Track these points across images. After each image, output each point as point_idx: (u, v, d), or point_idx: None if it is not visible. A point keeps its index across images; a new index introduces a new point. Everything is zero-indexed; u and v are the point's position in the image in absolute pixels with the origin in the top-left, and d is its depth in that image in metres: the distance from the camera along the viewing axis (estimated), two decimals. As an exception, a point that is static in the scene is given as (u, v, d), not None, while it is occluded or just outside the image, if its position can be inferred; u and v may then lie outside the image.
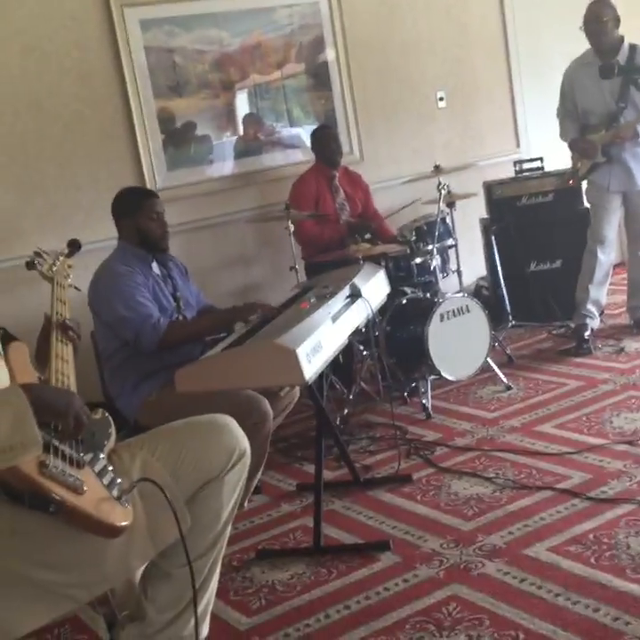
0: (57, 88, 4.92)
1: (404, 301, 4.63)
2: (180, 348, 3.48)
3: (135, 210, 3.62)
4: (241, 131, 5.57)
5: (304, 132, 5.71)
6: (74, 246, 2.72)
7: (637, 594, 2.63)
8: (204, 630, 2.33)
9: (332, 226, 5.14)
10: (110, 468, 2.05)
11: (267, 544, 3.36)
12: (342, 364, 4.71)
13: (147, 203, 3.64)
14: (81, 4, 4.96)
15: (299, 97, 5.74)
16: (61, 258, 2.60)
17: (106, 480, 1.99)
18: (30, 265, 2.51)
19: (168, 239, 3.68)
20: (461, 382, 4.67)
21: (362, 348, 4.64)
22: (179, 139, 5.35)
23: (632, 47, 4.77)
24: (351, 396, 4.58)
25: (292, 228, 4.60)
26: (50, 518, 1.86)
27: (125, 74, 5.10)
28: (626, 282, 5.44)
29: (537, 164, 5.88)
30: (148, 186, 5.12)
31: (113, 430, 2.20)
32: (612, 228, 5.11)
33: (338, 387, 4.74)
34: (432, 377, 4.56)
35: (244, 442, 2.32)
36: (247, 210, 5.47)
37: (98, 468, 2.01)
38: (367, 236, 4.96)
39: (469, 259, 5.60)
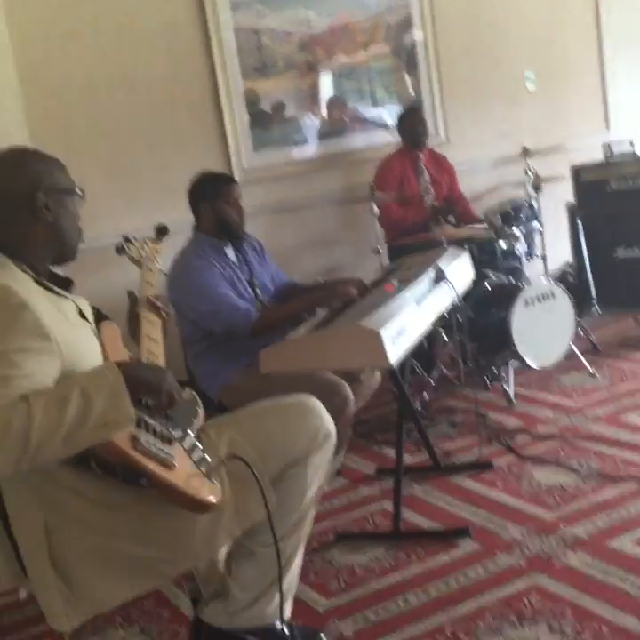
0: (148, 67, 4.97)
1: (488, 286, 4.58)
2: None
3: (214, 195, 3.58)
4: (325, 112, 5.55)
5: (387, 113, 5.67)
6: (162, 231, 2.74)
7: None
8: (287, 610, 2.35)
9: (416, 208, 5.10)
10: (199, 445, 2.07)
11: (346, 527, 3.37)
12: (422, 349, 4.68)
13: (226, 188, 3.61)
14: (173, -17, 5.00)
15: (383, 78, 5.69)
16: (149, 243, 2.62)
17: (195, 457, 2.02)
18: (120, 250, 2.54)
19: (244, 225, 3.66)
20: (544, 369, 4.60)
21: (443, 332, 4.61)
22: (265, 119, 5.37)
23: None
24: (432, 381, 4.55)
25: (376, 210, 4.57)
26: (142, 494, 1.90)
27: (214, 54, 5.13)
28: None
29: (626, 146, 5.74)
30: (234, 166, 5.17)
31: (201, 408, 2.23)
32: None
33: (418, 371, 4.72)
34: (514, 363, 4.50)
35: (330, 424, 2.32)
36: (331, 191, 5.46)
37: (187, 444, 2.04)
38: (451, 219, 4.90)
39: (554, 244, 5.49)
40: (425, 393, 4.48)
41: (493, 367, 4.59)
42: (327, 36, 5.47)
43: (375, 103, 5.71)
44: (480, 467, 3.69)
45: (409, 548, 3.12)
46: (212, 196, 3.59)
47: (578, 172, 5.63)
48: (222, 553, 2.35)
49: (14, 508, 1.97)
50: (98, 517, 1.96)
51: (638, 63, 6.32)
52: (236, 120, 5.24)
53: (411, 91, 5.73)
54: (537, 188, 4.81)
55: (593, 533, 3.01)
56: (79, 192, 2.14)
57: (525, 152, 4.70)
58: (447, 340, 4.65)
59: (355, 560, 3.11)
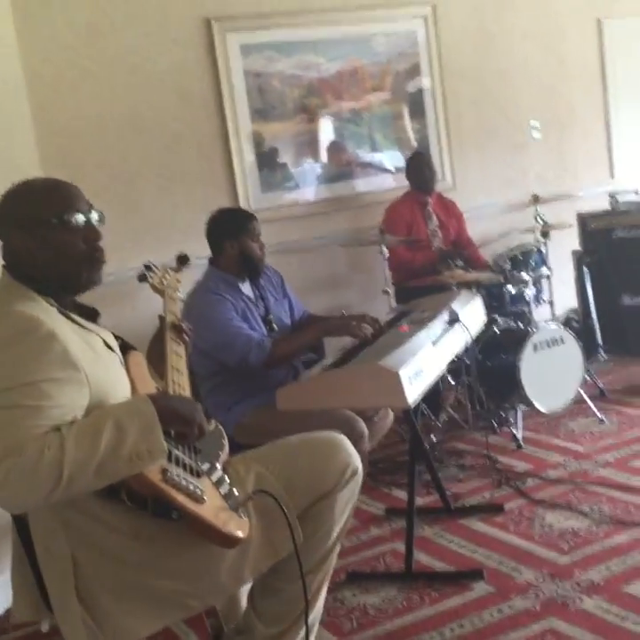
0: (158, 108, 5.02)
1: (497, 330, 4.59)
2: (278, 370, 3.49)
3: (238, 232, 3.60)
4: (328, 156, 5.60)
5: (387, 159, 5.72)
6: (182, 260, 2.75)
7: None
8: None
9: (425, 252, 5.13)
10: (227, 478, 2.06)
11: (356, 567, 3.34)
12: (430, 391, 4.66)
13: (250, 224, 3.63)
14: (185, 27, 5.06)
15: (384, 124, 5.74)
16: (171, 271, 2.64)
17: (223, 490, 2.01)
18: (142, 277, 2.54)
19: (264, 261, 3.69)
20: (552, 414, 4.59)
21: (449, 375, 4.61)
22: (273, 162, 5.41)
23: None
24: (439, 423, 4.55)
25: (386, 252, 4.60)
26: (171, 527, 1.89)
27: (224, 96, 5.18)
28: None
29: (631, 196, 5.80)
30: (243, 207, 5.19)
31: (226, 441, 2.22)
32: None
33: (426, 413, 4.71)
34: (523, 407, 4.50)
35: (356, 460, 2.32)
36: (337, 234, 5.49)
37: (215, 477, 2.03)
38: (459, 263, 4.93)
39: (559, 290, 5.53)
40: (432, 435, 4.47)
41: (501, 411, 4.59)
42: (336, 81, 5.53)
43: (375, 149, 5.75)
44: (491, 510, 3.67)
45: (421, 590, 3.10)
46: (236, 232, 3.60)
47: (584, 220, 5.69)
48: (246, 588, 2.32)
49: (41, 539, 1.96)
50: (126, 550, 1.94)
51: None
52: (245, 162, 5.28)
53: (411, 137, 5.78)
54: (545, 234, 4.85)
55: (608, 578, 2.99)
56: (73, 219, 2.01)
57: (535, 199, 4.75)
58: (453, 382, 4.65)
59: (367, 600, 3.08)
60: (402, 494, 3.94)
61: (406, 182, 5.40)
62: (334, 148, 5.61)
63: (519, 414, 4.48)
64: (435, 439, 4.46)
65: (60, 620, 1.98)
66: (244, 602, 2.37)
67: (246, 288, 3.68)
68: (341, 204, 5.60)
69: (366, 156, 5.74)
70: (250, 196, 5.28)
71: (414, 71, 5.77)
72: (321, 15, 5.39)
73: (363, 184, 5.70)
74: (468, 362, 4.50)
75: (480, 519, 3.61)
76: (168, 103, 5.05)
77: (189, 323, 3.43)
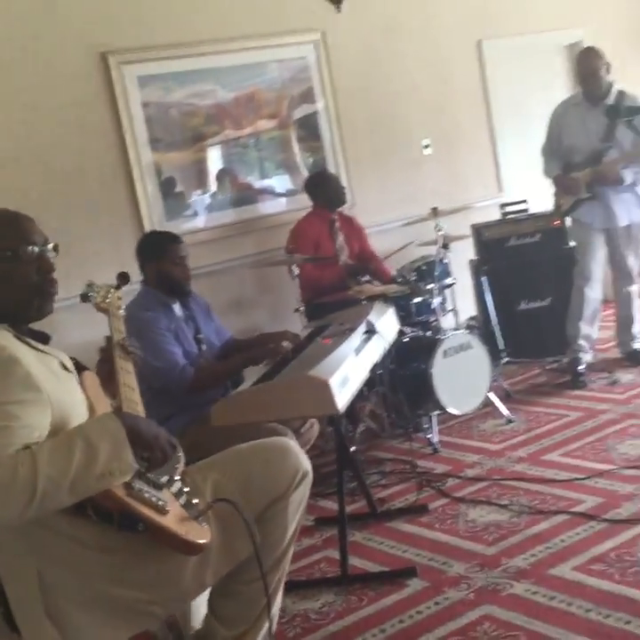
0: (58, 142, 5.05)
1: (407, 339, 4.76)
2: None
3: (160, 254, 3.72)
4: (227, 182, 5.71)
5: (277, 183, 5.89)
6: (123, 278, 2.81)
7: (665, 605, 2.74)
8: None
9: (332, 269, 5.27)
10: (186, 489, 2.14)
11: (293, 576, 3.40)
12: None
13: (171, 247, 3.75)
14: (81, 61, 5.11)
15: (282, 148, 5.89)
16: (112, 290, 2.69)
17: (182, 501, 2.09)
18: (85, 297, 2.59)
19: (190, 283, 3.78)
20: (464, 417, 4.79)
21: (364, 387, 4.74)
22: (175, 190, 5.49)
23: (620, 92, 4.98)
24: (357, 434, 4.68)
25: (296, 271, 4.72)
26: (134, 538, 1.95)
27: (123, 127, 5.24)
28: (612, 318, 5.65)
29: (521, 206, 6.09)
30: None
31: (182, 454, 2.29)
32: (598, 264, 5.29)
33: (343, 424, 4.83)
34: (436, 412, 4.68)
35: (306, 463, 2.42)
36: (243, 257, 5.60)
37: (174, 489, 2.10)
38: (365, 277, 5.09)
39: (459, 298, 5.75)
40: (351, 445, 4.59)
41: (416, 417, 4.75)
42: (233, 108, 5.65)
43: (271, 173, 5.89)
44: (416, 511, 3.81)
45: (359, 591, 3.20)
46: (156, 255, 3.72)
47: (479, 231, 5.94)
48: (205, 594, 2.39)
49: (4, 558, 1.99)
50: (93, 563, 1.99)
51: (524, 132, 6.72)
52: (148, 191, 5.35)
53: (298, 161, 5.94)
54: (445, 245, 5.05)
55: (533, 563, 3.16)
56: (28, 251, 2.07)
57: (435, 212, 4.95)
58: (367, 393, 4.79)
59: (307, 606, 3.17)
60: (328, 504, 4.05)
61: (299, 204, 5.57)
62: (233, 173, 5.72)
63: (434, 419, 4.65)
64: (354, 449, 4.57)
65: (28, 639, 2.01)
66: (202, 608, 2.44)
67: (177, 308, 3.78)
68: (245, 228, 5.72)
69: (264, 180, 5.87)
70: (155, 224, 5.34)
71: (308, 95, 5.94)
72: (215, 45, 5.52)
73: (263, 208, 5.84)
74: (380, 372, 4.64)
75: (406, 520, 3.75)
76: (68, 137, 5.09)
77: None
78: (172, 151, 5.49)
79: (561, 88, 6.85)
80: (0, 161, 4.87)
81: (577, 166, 5.15)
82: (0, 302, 2.05)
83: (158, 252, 3.73)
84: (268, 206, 5.86)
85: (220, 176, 5.71)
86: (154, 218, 5.36)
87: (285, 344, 3.56)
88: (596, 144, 5.05)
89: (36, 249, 2.09)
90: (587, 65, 5.05)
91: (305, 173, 5.89)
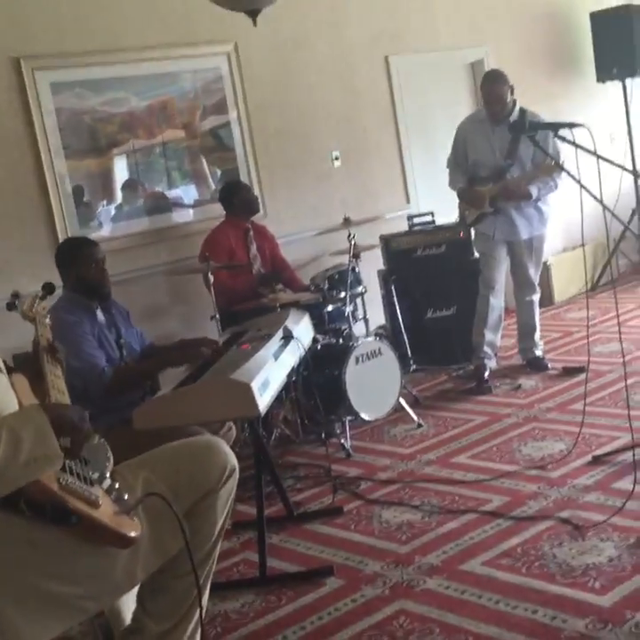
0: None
1: (319, 346, 4.87)
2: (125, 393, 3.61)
3: (74, 259, 3.78)
4: (136, 191, 5.74)
5: (183, 193, 5.94)
6: (49, 288, 2.84)
7: (569, 595, 2.91)
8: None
9: (245, 277, 5.35)
10: (116, 485, 2.19)
11: (212, 578, 3.45)
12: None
13: (84, 252, 3.80)
14: (-7, 66, 5.07)
15: (193, 158, 5.94)
16: (37, 300, 2.72)
17: (113, 497, 2.14)
18: (11, 306, 2.62)
19: (109, 286, 3.82)
20: (375, 422, 4.92)
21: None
22: (86, 198, 5.48)
23: (522, 110, 5.20)
24: (272, 439, 4.76)
25: (211, 279, 4.78)
26: (65, 532, 1.99)
27: (37, 134, 5.21)
28: (513, 326, 5.88)
29: (428, 218, 6.28)
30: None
31: (110, 453, 2.34)
32: (501, 274, 5.52)
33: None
34: (349, 417, 4.79)
35: (233, 459, 2.50)
36: (156, 265, 5.62)
37: (105, 485, 2.16)
38: (279, 286, 5.19)
39: (368, 308, 5.88)
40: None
41: (329, 423, 4.86)
42: (146, 116, 5.67)
43: (182, 182, 5.93)
44: (331, 513, 3.92)
45: (278, 591, 3.29)
46: (72, 260, 3.78)
47: (387, 241, 6.09)
48: (134, 590, 2.44)
49: None
50: (23, 558, 2.03)
51: (430, 146, 6.94)
52: (62, 199, 5.32)
53: (206, 172, 6.01)
54: (356, 255, 5.19)
55: (445, 560, 3.31)
56: None
57: (347, 222, 5.08)
58: (282, 400, 4.87)
59: (227, 607, 3.24)
60: (244, 508, 4.09)
61: (207, 214, 5.66)
62: (140, 183, 5.74)
63: (346, 424, 4.77)
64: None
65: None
66: (131, 604, 2.49)
67: (99, 314, 3.82)
68: (157, 236, 5.74)
69: (175, 189, 5.91)
70: (68, 231, 5.32)
71: (221, 105, 6.01)
72: (129, 53, 5.53)
73: (174, 217, 5.88)
74: (294, 378, 4.73)
75: (322, 522, 3.85)
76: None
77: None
78: (85, 159, 5.48)
79: (465, 104, 7.09)
80: None
81: (481, 181, 5.36)
82: None
83: (72, 257, 3.80)
84: (179, 216, 5.91)
85: (127, 185, 5.73)
86: (68, 226, 5.34)
87: (204, 350, 3.64)
88: (499, 161, 5.27)
89: None
90: (491, 91, 5.27)
91: (212, 184, 5.96)
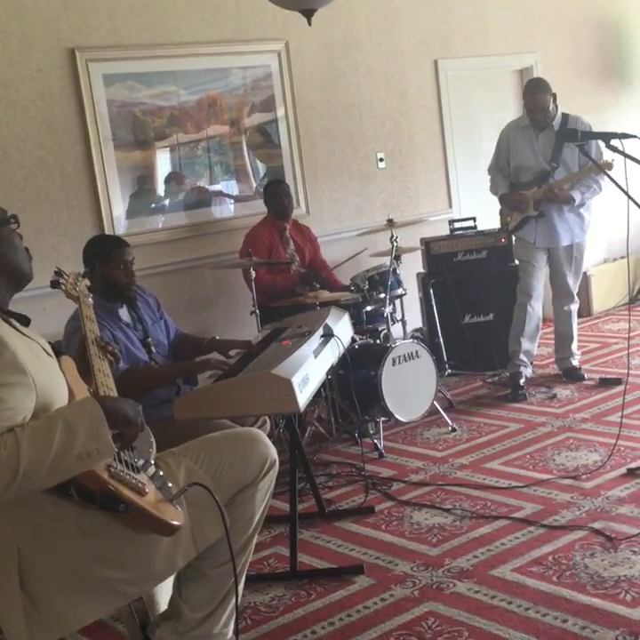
0: (22, 135, 5.08)
1: (357, 346, 4.89)
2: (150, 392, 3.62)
3: (103, 258, 3.72)
4: (187, 185, 5.80)
5: (227, 187, 5.99)
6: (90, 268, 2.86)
7: (600, 606, 2.92)
8: (230, 631, 2.51)
9: (285, 274, 5.39)
10: (160, 473, 2.23)
11: (243, 571, 3.52)
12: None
13: (115, 252, 3.75)
14: (48, 56, 5.14)
15: (239, 154, 5.98)
16: (80, 278, 2.75)
17: (157, 484, 2.18)
18: (55, 284, 2.64)
19: (134, 289, 3.80)
20: (409, 424, 4.94)
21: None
22: (134, 189, 5.55)
23: (564, 116, 5.22)
24: (306, 437, 4.79)
25: (253, 274, 4.82)
26: (112, 519, 2.03)
27: (88, 124, 5.29)
28: (551, 335, 5.86)
29: (470, 223, 6.28)
30: (107, 232, 5.30)
31: (153, 439, 2.38)
32: (540, 282, 5.51)
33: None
34: (383, 418, 4.81)
35: (274, 452, 2.54)
36: (200, 258, 5.68)
37: (150, 472, 2.20)
38: (317, 285, 5.21)
39: (406, 310, 5.90)
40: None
41: (363, 423, 4.88)
42: (195, 111, 5.74)
43: (215, 179, 5.97)
44: (363, 512, 3.94)
45: (308, 586, 3.32)
46: (100, 259, 3.73)
47: (428, 245, 6.10)
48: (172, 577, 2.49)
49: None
50: (71, 542, 2.08)
51: (475, 151, 6.94)
52: (108, 189, 5.39)
53: (249, 168, 6.04)
54: (397, 257, 5.21)
55: (475, 564, 3.32)
56: (11, 220, 2.25)
57: (391, 223, 5.10)
58: (318, 398, 4.90)
59: (257, 599, 3.27)
60: (275, 502, 4.13)
61: (249, 210, 5.70)
62: (188, 176, 5.80)
63: (380, 425, 4.79)
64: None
65: (1, 615, 2.08)
66: (167, 590, 2.53)
67: (124, 313, 3.80)
68: (202, 229, 5.80)
69: (221, 184, 5.96)
70: (114, 221, 5.39)
71: (269, 103, 6.05)
72: (181, 48, 5.60)
73: (220, 211, 5.94)
74: (330, 377, 4.76)
75: (353, 521, 3.88)
76: (32, 130, 5.11)
77: (70, 350, 3.53)
78: (133, 150, 5.55)
79: (511, 110, 7.06)
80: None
81: (524, 185, 5.37)
82: None
83: (102, 256, 3.74)
84: (220, 211, 5.95)
85: (171, 178, 5.78)
86: (114, 215, 5.41)
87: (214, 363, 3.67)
88: (543, 165, 5.27)
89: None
90: (534, 100, 5.28)
91: (254, 181, 6.01)
